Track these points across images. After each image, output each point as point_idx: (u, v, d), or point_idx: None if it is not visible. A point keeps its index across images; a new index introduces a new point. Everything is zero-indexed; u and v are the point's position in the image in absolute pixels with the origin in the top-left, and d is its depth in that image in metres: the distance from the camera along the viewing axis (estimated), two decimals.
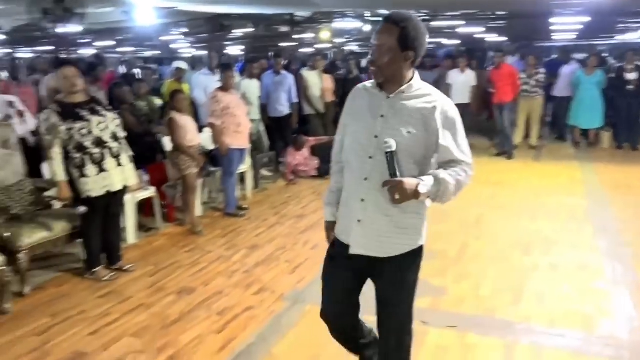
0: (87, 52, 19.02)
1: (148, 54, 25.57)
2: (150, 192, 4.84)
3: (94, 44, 19.51)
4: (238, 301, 3.53)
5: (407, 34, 1.88)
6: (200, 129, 5.74)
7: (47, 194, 3.97)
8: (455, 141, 1.97)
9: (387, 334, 2.13)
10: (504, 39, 17.19)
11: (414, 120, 1.93)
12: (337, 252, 2.12)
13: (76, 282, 3.86)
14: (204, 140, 5.52)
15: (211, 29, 13.58)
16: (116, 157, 3.72)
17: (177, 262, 4.24)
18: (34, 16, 9.17)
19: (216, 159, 5.46)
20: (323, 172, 6.83)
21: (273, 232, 4.92)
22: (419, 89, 1.98)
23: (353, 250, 2.03)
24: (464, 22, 13.31)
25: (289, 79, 7.24)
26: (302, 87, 7.48)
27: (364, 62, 15.10)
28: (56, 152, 3.52)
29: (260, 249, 4.48)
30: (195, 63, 8.66)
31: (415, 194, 1.85)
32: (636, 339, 3.02)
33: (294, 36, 16.91)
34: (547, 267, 4.01)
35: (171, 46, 21.62)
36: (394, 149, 1.88)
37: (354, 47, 23.16)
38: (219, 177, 5.59)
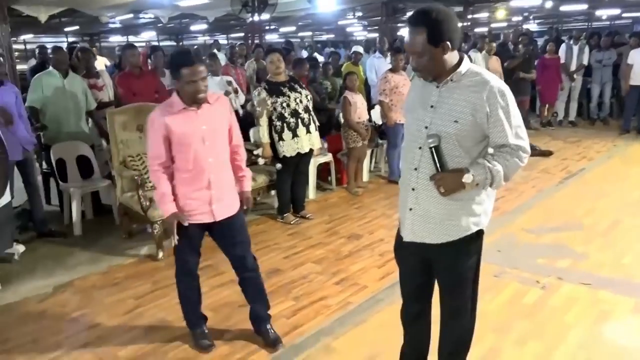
0: (271, 37, 21.19)
1: (324, 37, 27.35)
2: (327, 157, 5.78)
3: (279, 30, 21.64)
4: None
5: (434, 30, 1.87)
6: (372, 106, 6.53)
7: (254, 152, 5.09)
8: (508, 125, 1.90)
9: (445, 321, 2.20)
10: None
11: (462, 109, 1.91)
12: (398, 243, 2.20)
13: (271, 223, 4.94)
14: (375, 116, 6.29)
15: (385, 12, 14.16)
16: (306, 125, 4.65)
17: (347, 215, 5.10)
18: (235, 7, 10.77)
19: (384, 132, 6.19)
20: None
21: None
22: (468, 74, 1.94)
23: (406, 238, 2.10)
24: None
25: None
26: None
27: (541, 42, 14.55)
28: (264, 120, 4.56)
29: None
30: (369, 46, 9.42)
31: (461, 185, 1.90)
32: None
33: (468, 16, 16.78)
34: None
35: (347, 30, 22.91)
36: (437, 144, 1.92)
37: (533, 25, 22.03)
38: (385, 149, 6.33)
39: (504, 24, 20.13)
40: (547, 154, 7.15)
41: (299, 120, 4.60)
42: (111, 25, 17.98)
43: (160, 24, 17.63)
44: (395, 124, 5.86)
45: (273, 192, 5.21)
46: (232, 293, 3.54)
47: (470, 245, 2.06)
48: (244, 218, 2.92)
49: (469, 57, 7.94)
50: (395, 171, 6.14)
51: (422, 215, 2.03)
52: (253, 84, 7.46)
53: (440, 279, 2.17)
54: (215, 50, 12.51)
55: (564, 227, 4.55)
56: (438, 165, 1.93)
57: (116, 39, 21.60)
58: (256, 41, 11.54)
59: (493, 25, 20.54)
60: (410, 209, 2.05)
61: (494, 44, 8.64)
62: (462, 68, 1.94)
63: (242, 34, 23.19)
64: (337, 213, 5.17)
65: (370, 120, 6.02)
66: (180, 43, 24.95)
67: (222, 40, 24.46)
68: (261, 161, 4.98)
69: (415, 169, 2.02)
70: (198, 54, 2.63)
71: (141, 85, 5.08)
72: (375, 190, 5.88)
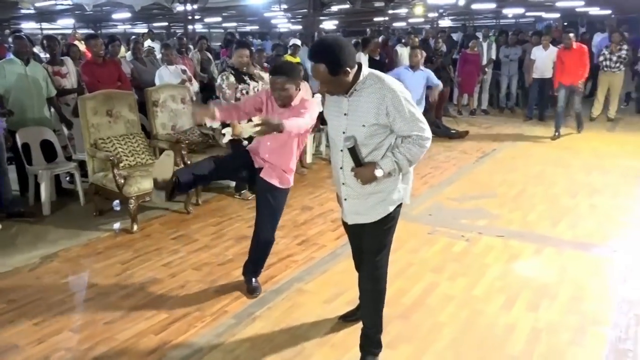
0: (196, 27, 21.11)
1: (248, 28, 27.55)
2: None
3: (204, 20, 21.62)
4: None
5: (332, 64, 2.20)
6: (313, 95, 7.15)
7: (222, 132, 5.45)
8: (405, 119, 2.25)
9: (362, 275, 2.65)
10: (607, 12, 16.45)
11: (367, 113, 2.26)
12: (343, 220, 2.66)
13: (230, 200, 5.44)
14: (317, 104, 6.91)
15: (312, 5, 14.75)
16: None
17: (297, 191, 5.66)
18: None
19: (324, 118, 6.84)
20: None
21: None
22: (367, 82, 2.28)
23: (347, 221, 2.57)
24: None
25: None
26: (395, 61, 8.72)
27: (455, 37, 15.79)
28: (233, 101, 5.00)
29: None
30: (305, 40, 10.01)
31: (374, 177, 2.30)
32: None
33: (388, 11, 17.69)
34: (586, 206, 5.05)
35: (272, 21, 23.30)
36: (352, 145, 2.28)
37: (447, 21, 23.52)
38: (326, 133, 6.98)
39: (421, 20, 21.41)
40: (463, 134, 8.18)
41: None
42: (24, 11, 17.17)
43: (79, 11, 17.08)
44: None
45: None
46: (208, 255, 4.06)
47: (388, 219, 2.49)
48: (275, 199, 3.28)
49: (397, 50, 8.77)
50: None
51: (353, 202, 2.48)
52: (198, 73, 7.85)
53: (364, 246, 2.60)
54: (149, 41, 12.62)
55: (481, 195, 5.44)
56: (354, 161, 2.34)
57: (29, 26, 20.62)
58: (194, 31, 11.70)
59: (411, 20, 21.78)
60: (345, 199, 2.51)
61: (417, 39, 9.55)
62: (362, 76, 2.30)
63: (165, 24, 22.97)
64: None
65: None
66: (99, 32, 24.20)
67: (143, 29, 24.00)
68: (225, 139, 5.42)
69: (341, 167, 2.43)
70: (285, 68, 3.10)
71: (104, 73, 5.39)
72: (319, 170, 6.54)
